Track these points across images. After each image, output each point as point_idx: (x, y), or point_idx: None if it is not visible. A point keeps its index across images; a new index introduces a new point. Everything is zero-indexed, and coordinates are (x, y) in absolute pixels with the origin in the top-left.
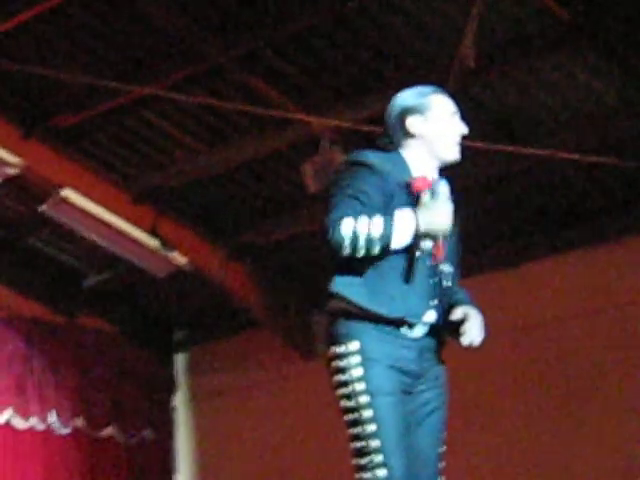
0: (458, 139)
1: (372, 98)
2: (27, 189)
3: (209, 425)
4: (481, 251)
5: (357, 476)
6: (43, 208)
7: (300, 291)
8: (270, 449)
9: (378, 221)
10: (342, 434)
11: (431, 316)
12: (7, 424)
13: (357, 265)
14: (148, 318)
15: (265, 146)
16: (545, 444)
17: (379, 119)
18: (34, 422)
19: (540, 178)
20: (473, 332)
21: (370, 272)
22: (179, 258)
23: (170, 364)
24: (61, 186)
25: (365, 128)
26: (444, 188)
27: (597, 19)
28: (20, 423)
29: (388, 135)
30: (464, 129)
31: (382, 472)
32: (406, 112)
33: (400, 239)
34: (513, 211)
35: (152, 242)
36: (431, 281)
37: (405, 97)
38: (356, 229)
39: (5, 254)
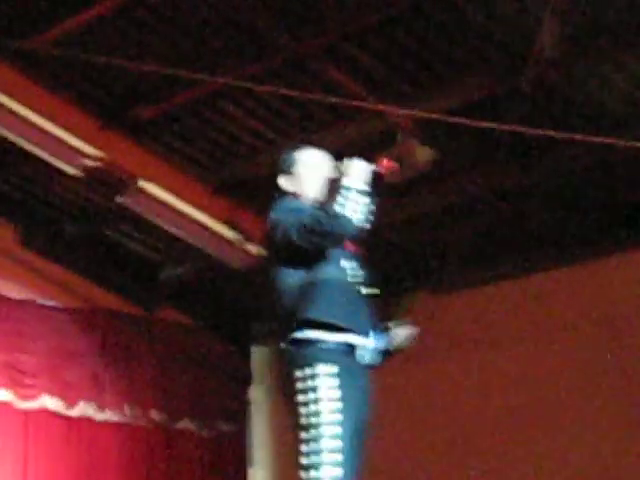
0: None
1: (450, 88)
2: (105, 181)
3: (286, 418)
4: (559, 243)
5: None
6: (121, 200)
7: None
8: None
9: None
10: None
11: (380, 343)
12: (84, 416)
13: (317, 295)
14: (226, 310)
15: (343, 137)
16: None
17: (457, 109)
18: (111, 414)
19: (623, 170)
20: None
21: (331, 301)
22: (257, 250)
23: (248, 357)
24: (139, 177)
25: (443, 118)
26: None
27: None
28: (97, 415)
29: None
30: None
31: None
32: (279, 172)
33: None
34: (593, 206)
35: (230, 234)
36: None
37: (281, 157)
38: (340, 201)
39: (83, 246)
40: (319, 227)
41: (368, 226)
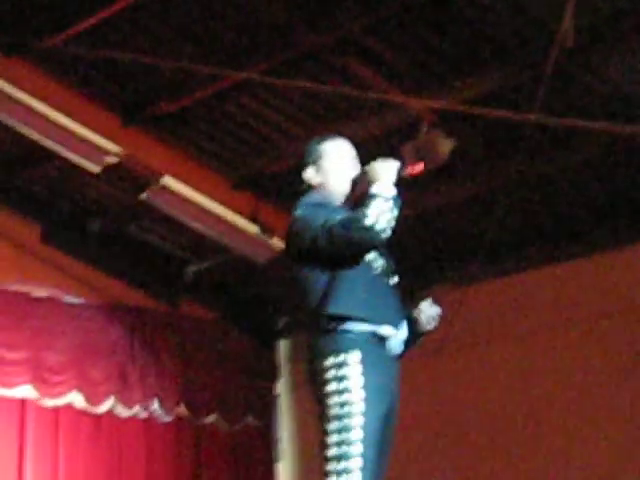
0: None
1: (471, 79)
2: (127, 177)
3: (312, 412)
4: (584, 232)
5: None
6: (144, 196)
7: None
8: None
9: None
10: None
11: (404, 332)
12: (110, 412)
13: (341, 286)
14: (250, 305)
15: (364, 129)
16: None
17: (478, 100)
18: (137, 410)
19: None
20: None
21: (355, 291)
22: (280, 244)
23: (273, 351)
24: (161, 174)
25: (464, 109)
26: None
27: None
28: (123, 411)
29: (303, 183)
30: (357, 169)
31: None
32: (304, 164)
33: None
34: (614, 192)
35: (252, 228)
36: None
37: (306, 149)
38: (373, 211)
39: (107, 243)
40: (347, 238)
41: (393, 229)
